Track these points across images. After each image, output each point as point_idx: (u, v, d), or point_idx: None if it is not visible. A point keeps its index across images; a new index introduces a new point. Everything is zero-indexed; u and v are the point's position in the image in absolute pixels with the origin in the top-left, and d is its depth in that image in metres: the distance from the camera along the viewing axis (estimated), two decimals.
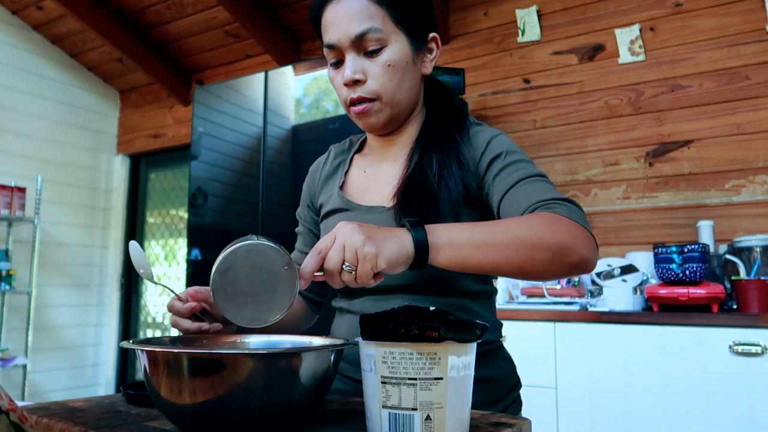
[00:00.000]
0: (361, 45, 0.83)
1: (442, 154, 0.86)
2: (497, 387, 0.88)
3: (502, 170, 0.84)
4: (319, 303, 1.05)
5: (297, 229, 1.08)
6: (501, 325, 0.94)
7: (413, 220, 0.71)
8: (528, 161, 0.85)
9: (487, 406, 0.84)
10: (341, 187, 0.97)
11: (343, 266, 0.66)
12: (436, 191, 0.83)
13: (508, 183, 0.82)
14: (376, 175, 0.94)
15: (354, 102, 0.87)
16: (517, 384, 0.93)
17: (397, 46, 0.85)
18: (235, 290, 0.67)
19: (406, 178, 0.86)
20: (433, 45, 0.91)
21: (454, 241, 0.70)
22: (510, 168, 0.83)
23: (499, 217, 0.83)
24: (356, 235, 0.65)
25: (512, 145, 0.87)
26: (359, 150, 1.02)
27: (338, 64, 0.87)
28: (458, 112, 0.94)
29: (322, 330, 1.02)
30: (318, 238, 1.03)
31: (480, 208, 0.87)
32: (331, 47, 0.86)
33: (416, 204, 0.83)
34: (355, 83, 0.85)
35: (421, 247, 0.68)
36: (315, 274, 0.67)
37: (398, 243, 0.67)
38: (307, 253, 1.02)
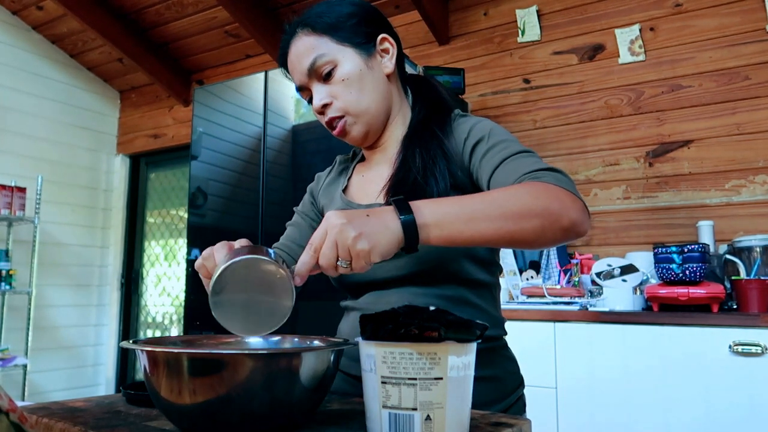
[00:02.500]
0: (317, 74, 0.91)
1: (425, 148, 0.89)
2: (501, 386, 0.89)
3: (486, 153, 0.85)
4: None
5: (289, 222, 1.09)
6: (504, 320, 0.94)
7: (398, 197, 0.71)
8: (512, 140, 0.86)
9: (490, 405, 0.84)
10: (344, 191, 1.01)
11: (338, 262, 0.67)
12: (421, 184, 0.85)
13: (494, 163, 0.83)
14: (372, 177, 0.98)
15: (331, 125, 0.93)
16: (521, 384, 0.94)
17: (347, 61, 0.90)
18: (233, 307, 0.68)
19: (392, 175, 0.90)
20: (386, 45, 0.95)
21: (442, 220, 0.70)
22: (495, 149, 0.84)
23: None
24: (347, 231, 0.65)
25: (495, 127, 0.88)
26: (361, 159, 1.07)
27: (312, 100, 0.94)
28: (442, 107, 0.96)
29: (329, 329, 1.02)
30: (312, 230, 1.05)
31: (472, 193, 0.88)
32: (300, 89, 0.95)
33: (404, 198, 0.85)
34: (324, 108, 0.92)
35: (410, 230, 0.69)
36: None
37: (388, 232, 0.68)
38: (296, 245, 1.04)
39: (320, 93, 0.91)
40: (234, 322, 0.68)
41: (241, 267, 0.68)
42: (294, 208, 1.11)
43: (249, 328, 0.68)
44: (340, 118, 0.92)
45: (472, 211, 0.71)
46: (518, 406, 0.91)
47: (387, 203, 0.73)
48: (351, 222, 0.66)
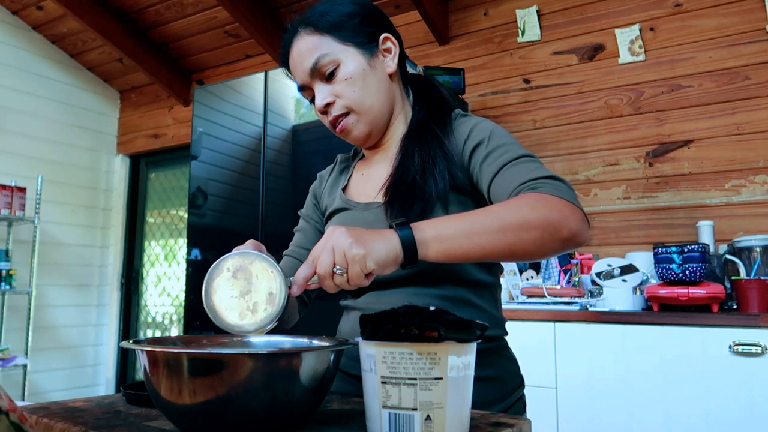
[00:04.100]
0: (320, 73, 0.91)
1: (424, 148, 0.89)
2: (501, 386, 0.89)
3: (487, 156, 0.85)
4: (306, 303, 1.06)
5: (296, 228, 1.09)
6: (505, 320, 0.94)
7: (400, 220, 0.73)
8: (513, 143, 0.86)
9: (490, 405, 0.84)
10: (344, 190, 1.01)
11: (334, 269, 0.68)
12: (419, 183, 0.85)
13: (494, 168, 0.83)
14: (372, 175, 0.98)
15: (333, 124, 0.93)
16: (521, 384, 0.94)
17: (350, 60, 0.91)
18: (226, 301, 0.70)
19: (391, 175, 0.90)
20: (388, 44, 0.95)
21: (441, 234, 0.71)
22: (495, 153, 0.84)
23: (490, 203, 0.84)
24: (344, 238, 0.68)
25: (496, 129, 0.88)
26: (362, 157, 1.06)
27: (314, 99, 0.94)
28: (442, 106, 0.96)
29: (329, 329, 1.02)
30: (321, 233, 1.06)
31: (471, 194, 0.88)
32: (301, 88, 0.95)
33: (402, 197, 0.86)
34: (327, 107, 0.92)
35: (409, 244, 0.70)
36: (309, 281, 0.70)
37: (386, 243, 0.69)
38: (304, 249, 1.04)
39: (323, 92, 0.91)
40: (225, 317, 0.70)
41: (235, 261, 0.71)
42: (299, 212, 1.11)
43: (239, 324, 0.70)
44: (344, 115, 0.91)
45: (471, 225, 0.72)
46: (518, 406, 0.91)
47: (389, 226, 0.73)
48: (349, 230, 0.69)
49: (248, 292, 0.70)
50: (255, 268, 0.71)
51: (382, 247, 0.69)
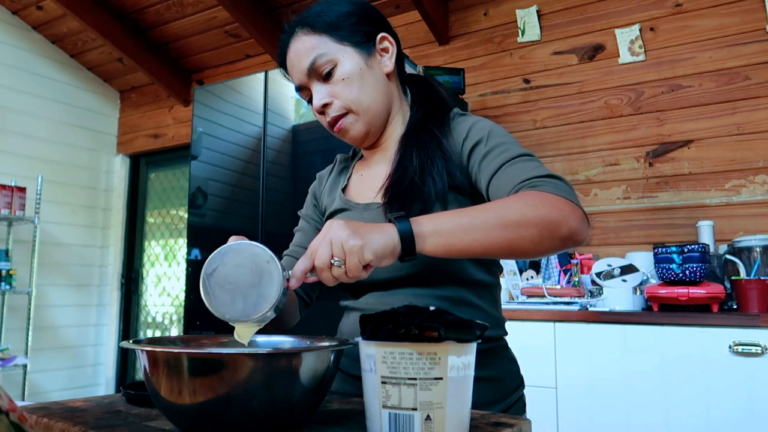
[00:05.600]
0: (317, 73, 0.90)
1: (422, 148, 0.89)
2: (500, 387, 0.88)
3: (486, 155, 0.85)
4: (308, 303, 1.05)
5: (296, 228, 1.09)
6: (505, 320, 0.94)
7: (398, 214, 0.73)
8: (512, 142, 0.86)
9: (490, 406, 0.84)
10: (343, 191, 1.01)
11: (332, 261, 0.68)
12: (418, 184, 0.85)
13: (493, 167, 0.83)
14: (371, 175, 0.98)
15: (331, 124, 0.93)
16: (521, 384, 0.94)
17: (347, 60, 0.90)
18: (223, 289, 0.70)
19: (390, 175, 0.90)
20: (385, 44, 0.95)
21: (440, 228, 0.71)
22: (494, 152, 0.84)
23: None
24: (342, 230, 0.68)
25: (494, 128, 0.88)
26: (361, 158, 1.06)
27: (312, 100, 0.94)
28: (440, 106, 0.96)
29: (329, 329, 1.02)
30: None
31: (470, 194, 0.88)
32: (299, 89, 0.95)
33: (401, 197, 0.86)
34: (324, 107, 0.92)
35: (407, 237, 0.70)
36: (307, 274, 0.70)
37: (384, 235, 0.69)
38: (304, 248, 1.04)
39: (320, 93, 0.91)
40: (221, 305, 0.70)
41: (234, 250, 0.71)
42: (299, 213, 1.11)
43: (235, 312, 0.70)
44: (343, 116, 0.91)
45: (470, 220, 0.72)
46: (518, 407, 0.91)
47: (388, 220, 0.73)
48: (347, 223, 0.69)
49: (246, 283, 0.70)
50: (253, 260, 0.71)
51: (380, 238, 0.69)
